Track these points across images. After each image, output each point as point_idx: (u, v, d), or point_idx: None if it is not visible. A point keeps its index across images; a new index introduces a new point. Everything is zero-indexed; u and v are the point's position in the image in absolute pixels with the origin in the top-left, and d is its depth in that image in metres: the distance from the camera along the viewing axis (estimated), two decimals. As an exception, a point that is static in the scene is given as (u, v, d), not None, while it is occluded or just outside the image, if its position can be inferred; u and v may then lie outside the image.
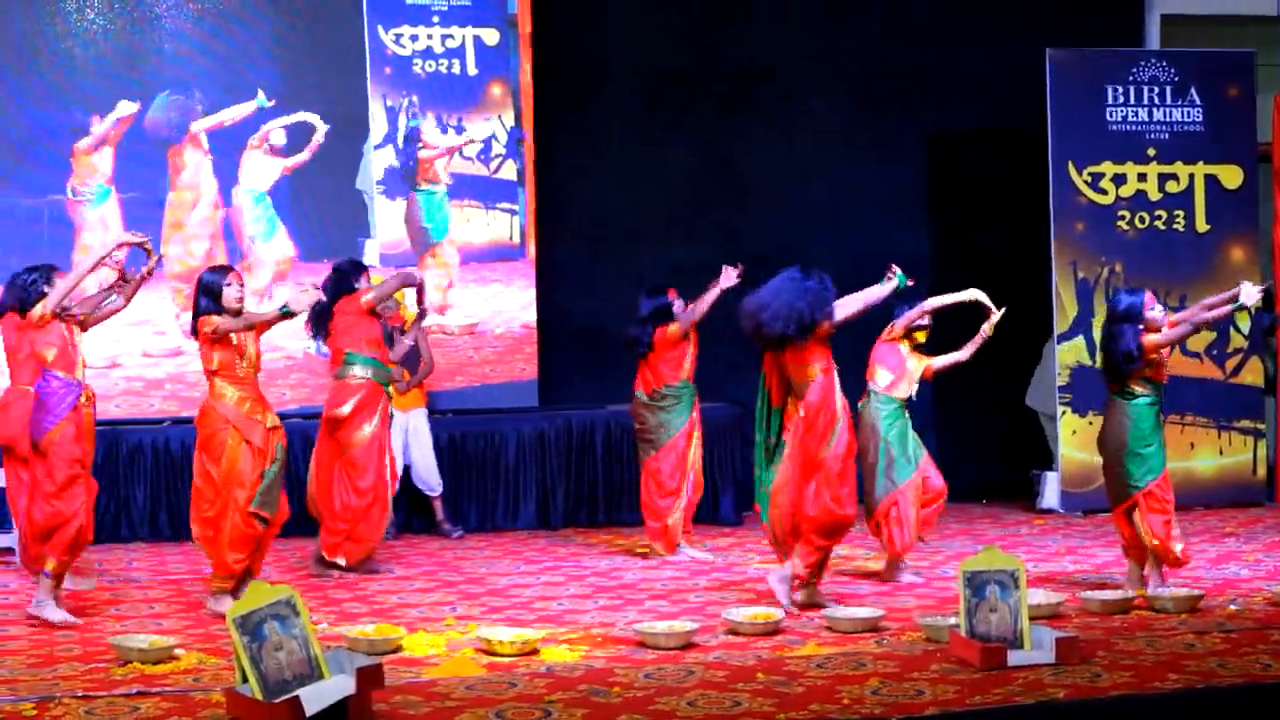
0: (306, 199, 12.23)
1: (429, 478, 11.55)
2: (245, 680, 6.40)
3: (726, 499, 12.11)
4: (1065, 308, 12.49)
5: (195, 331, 8.88)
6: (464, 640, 7.93)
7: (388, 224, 12.31)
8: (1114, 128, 12.66)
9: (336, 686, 6.40)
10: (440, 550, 11.01)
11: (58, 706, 6.66)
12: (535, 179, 12.54)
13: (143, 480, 11.39)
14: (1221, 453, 12.69)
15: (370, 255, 12.09)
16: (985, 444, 13.24)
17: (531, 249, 12.59)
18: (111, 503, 11.29)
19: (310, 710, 6.29)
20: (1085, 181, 12.58)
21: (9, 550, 10.42)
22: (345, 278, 10.16)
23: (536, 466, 11.99)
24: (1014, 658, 7.23)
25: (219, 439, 8.77)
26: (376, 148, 12.27)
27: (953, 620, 7.71)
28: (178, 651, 7.56)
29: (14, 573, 10.03)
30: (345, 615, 8.68)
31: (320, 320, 10.11)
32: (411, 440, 11.44)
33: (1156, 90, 12.70)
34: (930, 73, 13.44)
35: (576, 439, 12.05)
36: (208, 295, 8.75)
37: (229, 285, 8.78)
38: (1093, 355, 12.39)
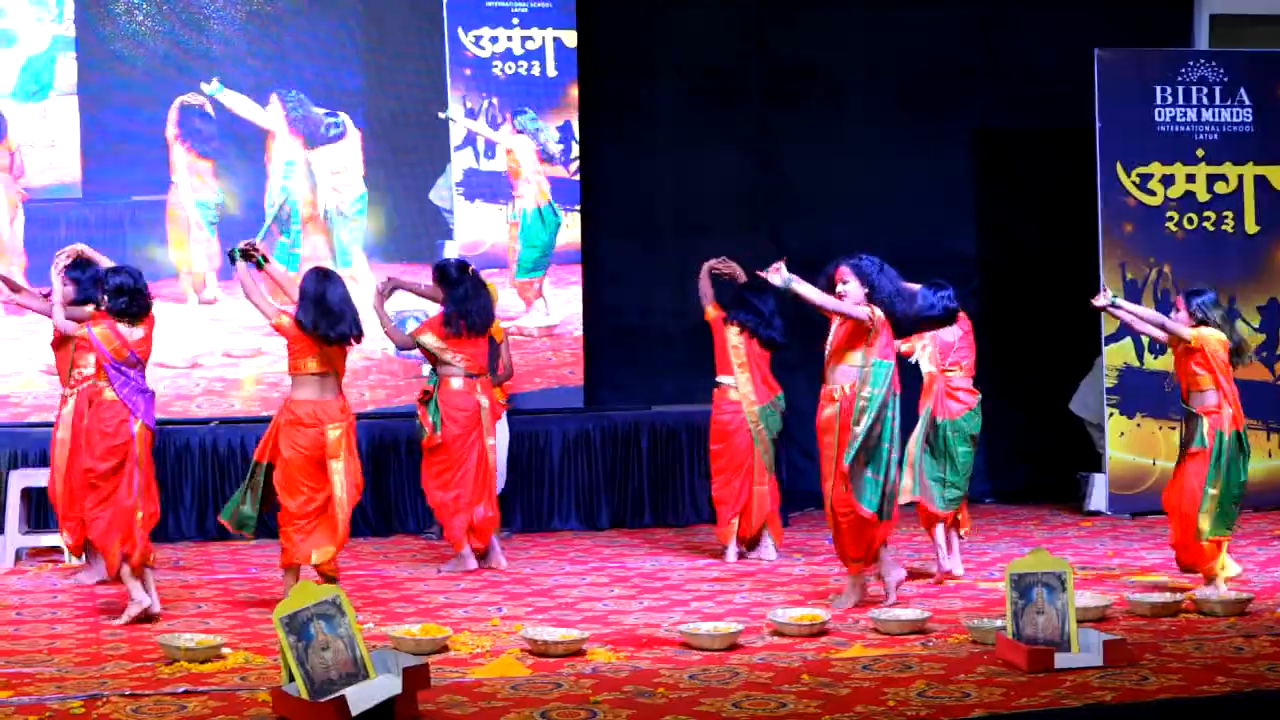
0: (386, 200, 12.21)
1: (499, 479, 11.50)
2: (291, 679, 6.42)
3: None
4: (1113, 309, 12.40)
5: (341, 340, 8.63)
6: (509, 640, 7.94)
7: (467, 227, 12.27)
8: (1162, 128, 12.57)
9: (382, 686, 6.42)
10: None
11: (105, 705, 6.70)
12: (581, 178, 12.53)
13: (190, 480, 11.43)
14: (1270, 455, 12.59)
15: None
16: (1032, 446, 13.18)
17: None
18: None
19: (356, 710, 6.31)
20: (1133, 182, 12.50)
21: (55, 549, 10.47)
22: None
23: (582, 467, 11.98)
24: (1061, 660, 7.20)
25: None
26: (456, 149, 12.27)
27: (999, 622, 7.68)
28: (224, 650, 7.59)
29: (60, 572, 10.08)
30: (391, 615, 8.70)
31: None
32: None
33: (1205, 90, 12.62)
34: (975, 70, 13.39)
35: (621, 440, 12.04)
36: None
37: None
38: (1140, 357, 12.32)
